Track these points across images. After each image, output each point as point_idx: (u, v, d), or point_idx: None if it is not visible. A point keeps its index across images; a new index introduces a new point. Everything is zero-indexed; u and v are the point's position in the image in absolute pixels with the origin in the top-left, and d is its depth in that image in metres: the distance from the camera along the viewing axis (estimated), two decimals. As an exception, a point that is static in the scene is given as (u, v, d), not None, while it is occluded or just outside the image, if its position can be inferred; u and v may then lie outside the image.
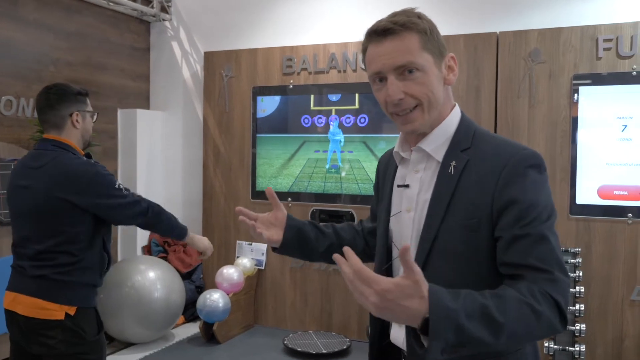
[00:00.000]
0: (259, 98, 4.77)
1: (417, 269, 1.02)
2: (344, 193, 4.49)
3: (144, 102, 5.30)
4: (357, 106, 4.44)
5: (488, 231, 1.23)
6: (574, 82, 3.81)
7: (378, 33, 1.28)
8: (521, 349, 1.27)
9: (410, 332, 1.08)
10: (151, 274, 4.13)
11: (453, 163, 1.29)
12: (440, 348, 1.02)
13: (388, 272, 1.40)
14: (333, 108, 4.51)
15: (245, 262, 4.69)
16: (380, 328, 1.42)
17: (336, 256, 1.06)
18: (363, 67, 1.43)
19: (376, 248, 1.47)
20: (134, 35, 5.20)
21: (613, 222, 3.75)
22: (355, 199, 4.45)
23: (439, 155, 1.32)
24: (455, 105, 1.38)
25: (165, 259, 4.76)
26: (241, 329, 4.62)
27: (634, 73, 3.68)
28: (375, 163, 4.33)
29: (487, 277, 1.23)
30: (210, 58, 4.95)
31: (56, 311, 2.18)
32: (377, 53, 1.29)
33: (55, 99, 2.28)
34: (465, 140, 1.31)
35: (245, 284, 4.59)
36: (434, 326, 1.00)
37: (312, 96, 4.58)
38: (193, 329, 4.61)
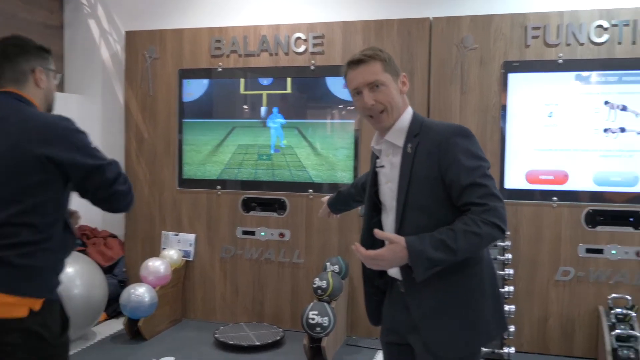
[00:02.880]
0: (185, 81, 4.63)
1: (394, 237, 1.81)
2: (276, 180, 4.46)
3: (58, 84, 5.01)
4: (289, 90, 4.41)
5: (441, 186, 1.86)
6: (504, 69, 3.97)
7: (354, 62, 1.94)
8: (480, 262, 1.91)
9: (403, 268, 1.87)
10: (69, 269, 3.91)
11: (409, 145, 1.93)
12: (423, 271, 1.77)
13: (377, 223, 2.05)
14: (264, 92, 4.46)
15: (172, 253, 4.57)
16: (378, 272, 2.09)
17: (355, 246, 1.85)
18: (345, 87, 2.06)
19: (365, 208, 2.11)
20: (46, 12, 4.89)
21: (539, 206, 3.95)
22: (287, 186, 4.43)
23: (400, 142, 1.96)
24: (408, 106, 2.01)
25: (84, 252, 4.54)
26: (169, 323, 4.50)
27: (560, 61, 3.87)
28: (309, 149, 4.36)
29: (447, 217, 1.84)
30: (131, 38, 4.74)
31: (17, 306, 1.80)
32: (354, 75, 1.94)
33: (14, 51, 1.98)
34: (416, 128, 1.95)
35: (173, 276, 4.47)
36: (413, 262, 1.77)
37: (242, 80, 4.50)
38: (116, 325, 4.44)
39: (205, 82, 4.58)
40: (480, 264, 1.91)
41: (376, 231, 1.86)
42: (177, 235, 4.71)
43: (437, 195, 1.87)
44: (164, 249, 4.67)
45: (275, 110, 4.44)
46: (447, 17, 4.05)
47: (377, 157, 2.07)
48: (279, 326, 4.38)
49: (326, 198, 2.70)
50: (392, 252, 1.78)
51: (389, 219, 2.01)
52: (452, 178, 1.82)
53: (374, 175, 2.08)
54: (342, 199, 2.63)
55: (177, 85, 4.63)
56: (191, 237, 4.68)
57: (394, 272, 1.99)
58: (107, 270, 4.63)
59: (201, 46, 4.57)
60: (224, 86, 4.57)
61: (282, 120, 4.42)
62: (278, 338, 4.14)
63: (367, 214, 2.09)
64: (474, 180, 1.80)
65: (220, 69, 4.53)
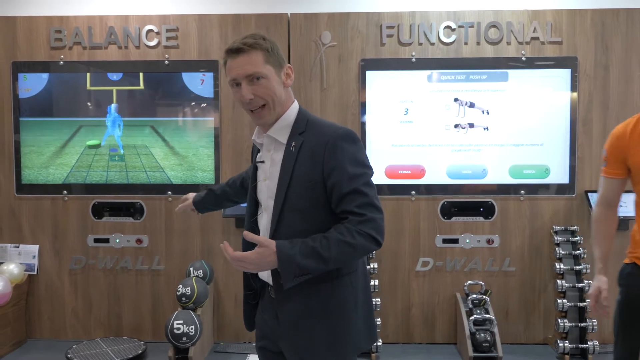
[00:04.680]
0: (20, 75, 4.23)
1: (264, 240, 1.75)
2: (131, 183, 4.24)
3: None
4: (141, 86, 4.20)
5: (322, 190, 1.82)
6: (361, 66, 4.11)
7: (233, 51, 1.82)
8: (354, 272, 1.90)
9: (274, 273, 1.82)
10: None
11: (293, 143, 1.86)
12: (291, 279, 1.74)
13: (255, 222, 1.99)
14: (114, 88, 4.21)
15: (12, 268, 4.18)
16: (251, 275, 2.03)
17: (223, 245, 1.78)
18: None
19: (247, 205, 2.05)
20: None
21: (399, 200, 4.16)
22: (144, 188, 4.23)
23: (284, 139, 1.89)
24: (294, 101, 1.94)
25: None
26: (11, 346, 4.11)
27: (414, 60, 4.09)
28: (166, 149, 4.20)
29: (325, 222, 1.82)
30: (-48, 25, 4.24)
31: None
32: (232, 65, 1.83)
33: None
34: (301, 125, 1.89)
35: (14, 293, 4.09)
36: (282, 268, 1.74)
37: (88, 74, 4.21)
38: (-54, 354, 3.99)
39: (44, 77, 4.23)
40: (354, 273, 1.91)
41: (245, 233, 1.81)
42: (17, 247, 4.31)
43: (317, 199, 1.82)
44: (1, 263, 4.26)
45: (110, 108, 4.22)
46: (304, 14, 4.11)
47: (259, 151, 2.00)
48: (140, 339, 4.19)
49: (191, 194, 2.54)
50: (260, 256, 1.74)
51: (264, 218, 1.95)
52: (334, 183, 1.79)
53: (254, 170, 2.01)
54: (213, 198, 2.49)
55: (11, 80, 4.23)
56: (34, 248, 4.31)
57: (266, 276, 1.94)
58: None
59: (38, 37, 4.21)
60: (67, 81, 4.25)
61: (118, 119, 4.22)
62: (140, 352, 3.97)
63: (248, 211, 2.03)
64: (356, 187, 1.78)
65: (62, 62, 4.20)
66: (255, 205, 2.01)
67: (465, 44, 4.08)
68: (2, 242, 4.31)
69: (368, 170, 1.84)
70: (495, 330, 3.81)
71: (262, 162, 1.95)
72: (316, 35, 4.11)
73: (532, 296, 4.19)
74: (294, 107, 1.92)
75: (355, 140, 1.84)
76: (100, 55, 4.20)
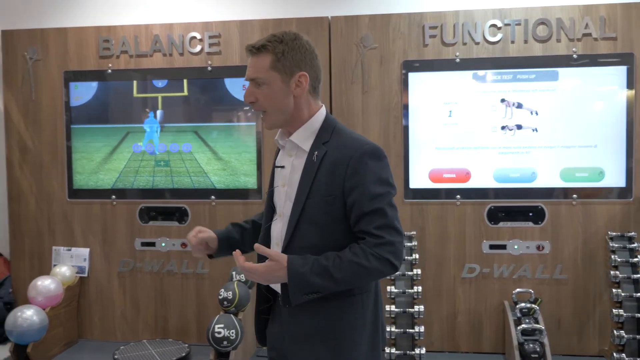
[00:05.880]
0: (72, 84, 4.41)
1: (275, 255, 1.72)
2: (176, 187, 4.33)
3: None
4: (186, 93, 4.29)
5: (341, 205, 1.77)
6: (404, 68, 4.05)
7: (247, 50, 1.84)
8: (367, 293, 1.85)
9: (283, 286, 1.78)
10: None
11: (316, 152, 1.81)
12: (300, 296, 1.72)
13: (268, 229, 1.95)
14: (159, 95, 4.32)
15: (64, 270, 4.35)
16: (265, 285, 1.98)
17: (235, 253, 1.78)
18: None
19: (264, 211, 2.01)
20: None
21: (444, 204, 4.07)
22: (188, 193, 4.32)
23: (307, 146, 1.84)
24: (321, 107, 1.90)
25: (-38, 274, 4.24)
26: (63, 346, 4.28)
27: (458, 60, 4.01)
28: (209, 154, 4.26)
29: (342, 239, 1.78)
30: (9, 38, 4.46)
31: None
32: (248, 64, 1.84)
33: None
34: (326, 134, 1.84)
35: (66, 295, 4.26)
36: (291, 284, 1.71)
37: (134, 82, 4.34)
38: (2, 352, 4.17)
39: (94, 85, 4.39)
40: (367, 294, 1.86)
41: (257, 246, 1.77)
42: (69, 250, 4.49)
43: (335, 213, 1.78)
44: (55, 265, 4.44)
45: (151, 113, 4.35)
46: (345, 17, 4.10)
47: (279, 151, 1.98)
48: (185, 341, 4.27)
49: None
50: (269, 269, 1.72)
51: (278, 225, 1.91)
52: (355, 201, 1.75)
53: (273, 174, 1.99)
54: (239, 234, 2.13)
55: (63, 89, 4.41)
56: (85, 251, 4.47)
57: (277, 286, 1.90)
58: (-9, 293, 4.35)
59: (88, 46, 4.37)
60: (115, 89, 4.39)
61: (156, 123, 4.34)
62: (183, 354, 4.04)
63: (264, 217, 2.00)
64: (376, 207, 1.73)
65: (110, 71, 4.34)
66: (271, 211, 1.96)
67: (512, 42, 3.96)
68: (55, 246, 4.50)
69: (391, 189, 1.79)
70: (545, 340, 3.66)
71: (282, 167, 1.92)
72: (357, 37, 4.08)
73: (586, 305, 4.01)
74: (320, 113, 1.88)
75: (381, 157, 1.79)
76: (145, 63, 4.32)
